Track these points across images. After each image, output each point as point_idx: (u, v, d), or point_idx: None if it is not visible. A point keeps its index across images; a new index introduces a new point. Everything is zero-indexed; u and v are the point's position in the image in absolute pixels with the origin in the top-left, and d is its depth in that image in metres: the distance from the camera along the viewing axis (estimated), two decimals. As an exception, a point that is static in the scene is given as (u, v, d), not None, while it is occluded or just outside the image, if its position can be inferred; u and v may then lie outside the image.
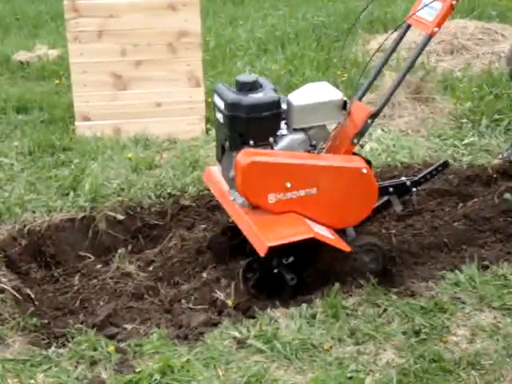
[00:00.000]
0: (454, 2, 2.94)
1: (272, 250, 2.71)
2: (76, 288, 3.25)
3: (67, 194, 3.77)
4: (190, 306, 2.95)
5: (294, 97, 2.98)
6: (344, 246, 2.85)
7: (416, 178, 3.26)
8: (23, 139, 4.55)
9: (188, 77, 4.76)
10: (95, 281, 3.27)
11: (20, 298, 3.01)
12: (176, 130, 4.64)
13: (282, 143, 2.95)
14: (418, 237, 3.49)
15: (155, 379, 2.38)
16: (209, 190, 3.42)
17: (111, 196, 3.74)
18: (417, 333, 2.62)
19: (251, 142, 2.87)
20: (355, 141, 3.01)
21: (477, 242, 3.42)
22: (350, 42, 6.58)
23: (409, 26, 3.19)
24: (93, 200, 3.69)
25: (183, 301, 3.00)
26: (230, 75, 5.49)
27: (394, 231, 3.54)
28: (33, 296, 3.11)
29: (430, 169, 3.33)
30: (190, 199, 3.77)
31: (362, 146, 4.18)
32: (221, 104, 2.90)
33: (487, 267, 3.06)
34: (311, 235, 2.76)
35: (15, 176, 4.01)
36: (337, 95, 2.99)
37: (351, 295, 2.85)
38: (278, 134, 2.95)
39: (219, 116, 2.94)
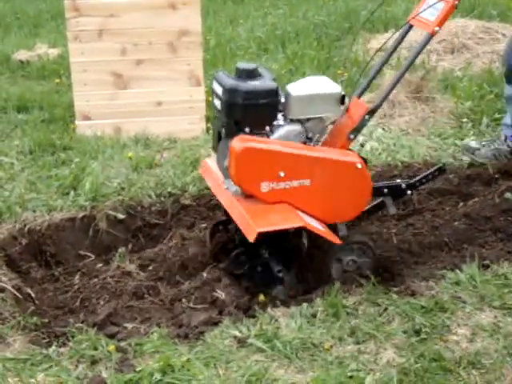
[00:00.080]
0: (456, 2, 2.94)
1: (261, 240, 2.71)
2: (76, 287, 3.24)
3: (67, 193, 3.77)
4: (191, 305, 2.95)
5: (292, 87, 2.98)
6: (334, 239, 2.84)
7: (411, 181, 3.26)
8: (23, 138, 4.55)
9: (188, 76, 4.77)
10: (95, 280, 3.27)
11: (20, 297, 3.01)
12: (176, 129, 4.64)
13: (278, 133, 2.94)
14: (418, 236, 3.49)
15: (155, 378, 2.38)
16: (209, 189, 3.41)
17: (112, 195, 3.74)
18: (417, 332, 2.62)
19: (247, 130, 2.86)
20: (351, 136, 3.00)
21: (477, 241, 3.41)
22: (350, 42, 6.59)
23: (411, 27, 3.19)
24: (93, 199, 3.69)
25: (184, 300, 2.99)
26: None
27: (394, 230, 3.54)
28: (33, 295, 3.11)
29: (425, 173, 3.32)
30: (190, 198, 3.77)
31: (362, 146, 4.20)
32: (219, 90, 2.91)
33: (488, 266, 3.06)
34: (301, 224, 2.75)
35: (15, 175, 4.01)
36: (335, 88, 2.99)
37: (351, 294, 2.85)
38: (275, 123, 2.95)
39: (217, 103, 2.94)
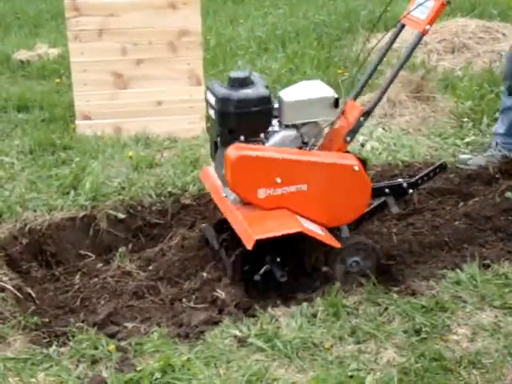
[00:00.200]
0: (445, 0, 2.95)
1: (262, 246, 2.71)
2: (77, 287, 3.24)
3: (68, 193, 3.77)
4: (191, 304, 2.95)
5: (285, 93, 2.99)
6: (334, 243, 2.84)
7: (413, 180, 3.25)
8: (24, 138, 4.55)
9: (188, 75, 4.77)
10: (96, 279, 3.27)
11: (21, 296, 3.01)
12: (176, 128, 4.64)
13: (274, 139, 2.95)
14: (418, 236, 3.49)
15: (156, 378, 2.38)
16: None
17: (112, 195, 3.74)
18: (418, 331, 2.62)
19: (242, 138, 2.87)
20: (348, 139, 3.00)
21: (478, 240, 3.41)
22: (350, 41, 6.59)
23: (403, 26, 3.19)
24: (93, 199, 3.69)
25: (184, 299, 2.99)
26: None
27: (394, 230, 3.54)
28: (34, 295, 3.11)
29: (427, 170, 3.32)
30: (190, 198, 3.77)
31: (362, 145, 4.20)
32: (212, 100, 2.92)
33: (488, 266, 3.06)
34: (300, 229, 2.75)
35: (16, 175, 4.01)
36: (328, 92, 2.99)
37: (352, 294, 2.85)
38: (270, 130, 2.96)
39: (211, 112, 2.96)
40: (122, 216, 3.64)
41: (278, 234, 2.75)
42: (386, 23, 6.98)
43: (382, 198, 3.21)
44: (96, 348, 2.57)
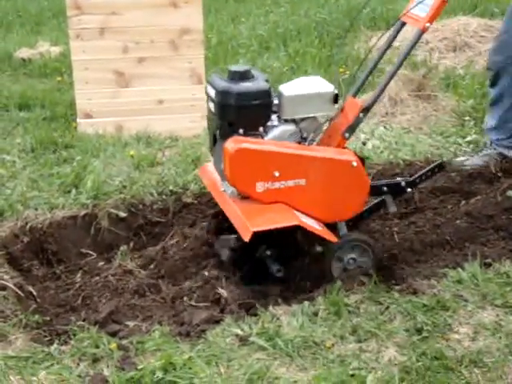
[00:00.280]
0: None
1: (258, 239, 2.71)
2: (78, 285, 3.24)
3: (69, 192, 3.77)
4: (192, 303, 2.94)
5: (285, 88, 3.00)
6: (332, 238, 2.84)
7: (411, 179, 3.25)
8: (25, 136, 4.55)
9: (190, 74, 4.77)
10: (97, 278, 3.27)
11: (22, 295, 3.01)
12: (178, 127, 4.64)
13: (273, 134, 2.96)
14: (420, 234, 3.48)
15: (157, 376, 2.38)
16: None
17: (113, 193, 3.74)
18: (419, 330, 2.62)
19: (241, 131, 2.88)
20: (347, 135, 3.01)
21: (479, 239, 3.41)
22: (352, 40, 6.58)
23: (403, 24, 3.19)
24: (95, 197, 3.69)
25: (185, 298, 2.99)
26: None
27: (396, 229, 3.53)
28: (35, 293, 3.11)
29: (425, 170, 3.32)
30: (191, 196, 3.77)
31: (364, 144, 4.20)
32: (212, 92, 2.92)
33: (490, 265, 3.05)
34: (296, 222, 2.75)
35: (17, 173, 4.01)
36: (328, 88, 2.99)
37: (353, 293, 2.84)
38: (269, 124, 2.96)
39: (211, 105, 2.96)
40: (123, 214, 3.64)
41: (275, 226, 2.75)
42: (387, 21, 7.02)
43: (381, 197, 3.21)
44: (97, 346, 2.57)
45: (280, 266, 2.92)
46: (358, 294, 2.83)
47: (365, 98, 4.42)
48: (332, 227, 2.94)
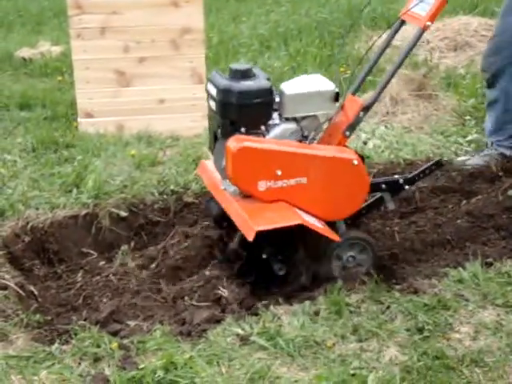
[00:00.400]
0: None
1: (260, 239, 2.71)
2: (79, 285, 3.24)
3: (70, 191, 3.77)
4: (193, 302, 2.94)
5: (286, 86, 3.00)
6: (333, 236, 2.85)
7: (409, 176, 3.25)
8: (26, 136, 4.55)
9: (191, 73, 4.76)
10: (98, 277, 3.27)
11: (23, 294, 3.01)
12: (179, 126, 4.64)
13: (274, 132, 2.96)
14: (421, 234, 3.48)
15: (158, 376, 2.38)
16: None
17: (114, 193, 3.74)
18: (420, 330, 2.62)
19: (243, 130, 2.88)
20: (347, 133, 3.01)
21: (480, 239, 3.41)
22: (352, 39, 6.58)
23: (403, 22, 3.19)
24: (96, 197, 3.69)
25: (186, 297, 2.99)
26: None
27: (396, 228, 3.53)
28: (36, 293, 3.11)
29: (423, 167, 3.32)
30: (192, 196, 3.77)
31: (365, 143, 4.20)
32: (213, 91, 2.92)
33: (491, 264, 3.05)
34: (299, 221, 2.75)
35: (18, 173, 4.01)
36: (329, 86, 3.00)
37: (354, 292, 2.84)
38: (271, 123, 2.96)
39: (212, 104, 2.96)
40: (124, 214, 3.64)
41: (279, 225, 2.75)
42: (388, 21, 7.01)
43: (379, 194, 3.21)
44: (98, 346, 2.57)
45: (282, 265, 2.92)
46: (359, 293, 2.84)
47: (365, 97, 4.43)
48: (331, 225, 2.95)
